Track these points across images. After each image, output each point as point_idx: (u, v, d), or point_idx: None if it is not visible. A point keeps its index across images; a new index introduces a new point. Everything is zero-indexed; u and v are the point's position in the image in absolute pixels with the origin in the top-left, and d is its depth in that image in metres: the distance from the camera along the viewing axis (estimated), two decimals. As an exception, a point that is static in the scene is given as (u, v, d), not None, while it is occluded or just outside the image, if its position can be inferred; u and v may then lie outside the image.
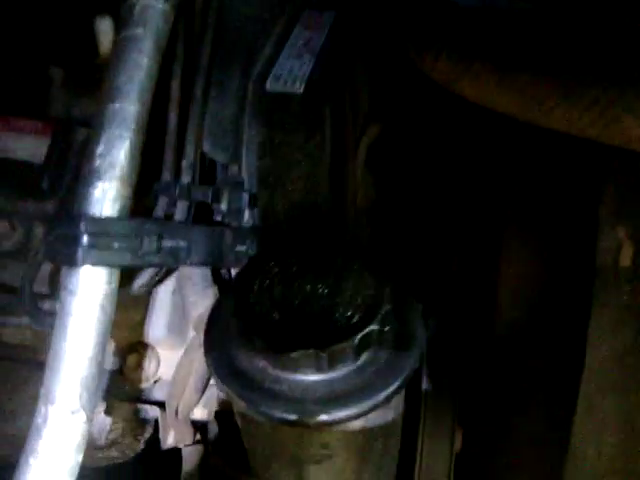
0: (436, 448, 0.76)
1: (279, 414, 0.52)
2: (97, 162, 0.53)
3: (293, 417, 0.51)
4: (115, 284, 0.54)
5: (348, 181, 0.77)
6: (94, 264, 0.52)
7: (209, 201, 0.65)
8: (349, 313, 0.53)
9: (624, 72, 0.48)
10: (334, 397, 0.52)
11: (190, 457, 0.84)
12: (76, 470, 0.52)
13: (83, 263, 0.52)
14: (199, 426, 0.84)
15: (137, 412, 0.85)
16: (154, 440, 0.83)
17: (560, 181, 0.75)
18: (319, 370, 0.52)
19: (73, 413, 0.51)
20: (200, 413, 0.82)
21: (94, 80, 0.74)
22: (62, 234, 0.53)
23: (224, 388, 0.55)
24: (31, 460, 0.51)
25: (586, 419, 0.67)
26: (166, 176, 0.65)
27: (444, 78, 0.65)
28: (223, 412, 0.83)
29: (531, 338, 0.79)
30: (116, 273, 0.54)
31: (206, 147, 0.67)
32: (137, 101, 0.54)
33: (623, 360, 0.65)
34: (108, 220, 0.52)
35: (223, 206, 0.66)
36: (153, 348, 0.80)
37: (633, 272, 0.66)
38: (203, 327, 0.73)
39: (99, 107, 0.54)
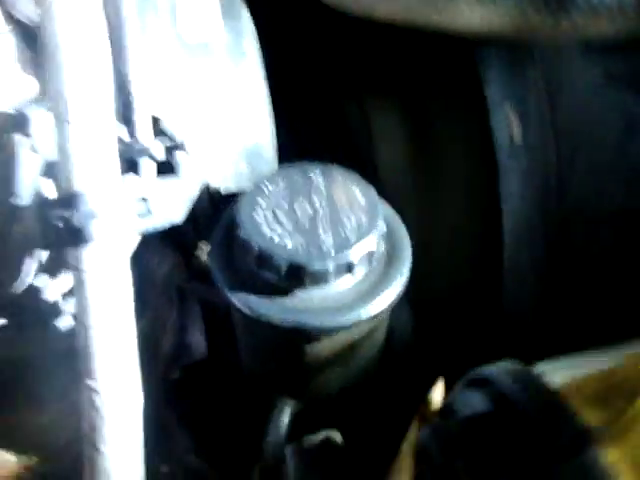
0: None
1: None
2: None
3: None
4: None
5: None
6: (107, 235, 0.50)
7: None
8: (355, 220, 0.57)
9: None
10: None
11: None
12: None
13: (95, 238, 0.50)
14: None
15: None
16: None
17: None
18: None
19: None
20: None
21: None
22: (61, 215, 0.49)
23: (232, 299, 0.56)
24: None
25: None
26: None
27: None
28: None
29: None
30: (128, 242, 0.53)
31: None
32: None
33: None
34: (111, 188, 0.50)
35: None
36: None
37: (523, 141, 0.80)
38: (172, 283, 0.73)
39: None
